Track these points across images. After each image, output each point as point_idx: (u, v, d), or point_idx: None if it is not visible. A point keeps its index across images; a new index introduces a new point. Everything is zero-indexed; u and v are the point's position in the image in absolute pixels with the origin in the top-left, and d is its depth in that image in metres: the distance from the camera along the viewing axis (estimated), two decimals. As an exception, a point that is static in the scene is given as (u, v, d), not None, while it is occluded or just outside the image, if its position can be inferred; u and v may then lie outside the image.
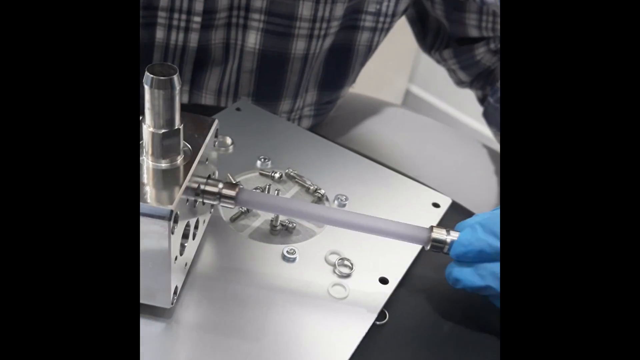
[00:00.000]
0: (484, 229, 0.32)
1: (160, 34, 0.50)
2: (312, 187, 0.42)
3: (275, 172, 0.42)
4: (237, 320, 0.32)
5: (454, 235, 0.33)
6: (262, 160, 0.43)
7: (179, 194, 0.28)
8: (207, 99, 0.56)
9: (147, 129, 0.29)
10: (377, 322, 0.34)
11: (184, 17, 0.49)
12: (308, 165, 0.44)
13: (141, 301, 0.30)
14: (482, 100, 0.68)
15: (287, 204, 0.34)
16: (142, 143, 0.30)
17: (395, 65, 1.54)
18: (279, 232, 0.38)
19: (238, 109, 0.49)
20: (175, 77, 0.27)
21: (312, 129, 0.66)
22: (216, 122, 0.34)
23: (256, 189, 0.41)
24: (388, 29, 0.58)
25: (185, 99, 0.56)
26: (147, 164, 0.30)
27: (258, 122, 0.48)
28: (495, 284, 0.31)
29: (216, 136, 0.35)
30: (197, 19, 0.49)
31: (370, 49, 0.59)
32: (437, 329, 0.35)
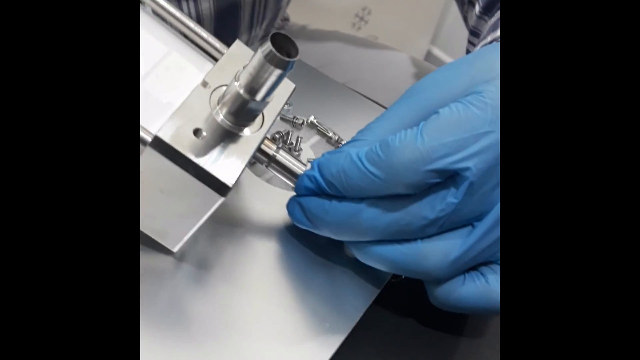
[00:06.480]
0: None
1: None
2: (334, 137, 0.41)
3: (297, 119, 0.41)
4: (247, 272, 0.31)
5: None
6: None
7: (241, 168, 0.26)
8: None
9: (239, 89, 0.26)
10: (393, 280, 0.33)
11: None
12: (331, 115, 0.42)
13: (152, 236, 0.29)
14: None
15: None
16: (223, 98, 0.28)
17: (419, 25, 1.50)
18: (298, 180, 0.37)
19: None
20: (295, 61, 0.25)
21: None
22: (293, 87, 0.32)
23: (277, 133, 0.40)
24: None
25: None
26: (223, 122, 0.27)
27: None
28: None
29: (287, 102, 0.32)
30: None
31: None
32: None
